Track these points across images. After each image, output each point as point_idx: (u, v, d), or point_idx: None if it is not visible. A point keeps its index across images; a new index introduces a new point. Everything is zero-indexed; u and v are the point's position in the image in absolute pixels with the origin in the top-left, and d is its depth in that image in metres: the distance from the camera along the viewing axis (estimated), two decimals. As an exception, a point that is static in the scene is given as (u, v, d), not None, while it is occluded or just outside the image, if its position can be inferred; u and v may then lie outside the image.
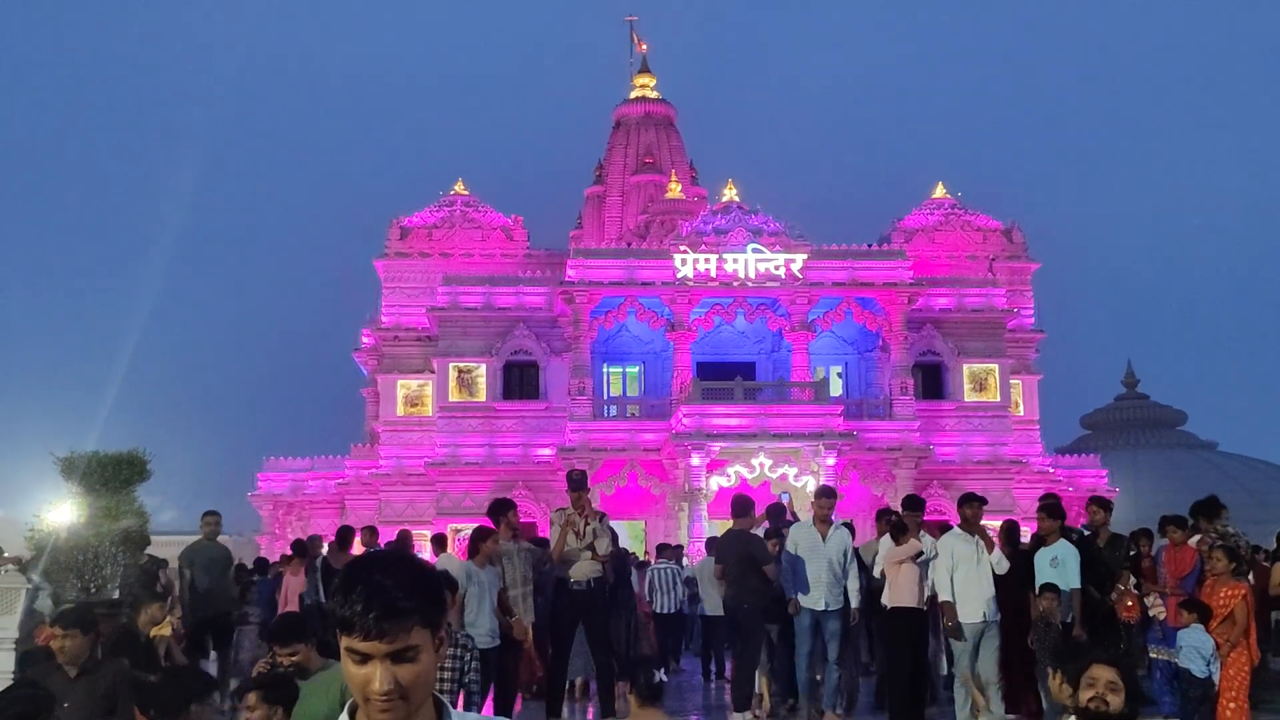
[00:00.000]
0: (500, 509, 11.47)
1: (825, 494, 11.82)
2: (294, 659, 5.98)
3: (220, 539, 14.84)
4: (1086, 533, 12.97)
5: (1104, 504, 12.73)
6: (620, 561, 15.92)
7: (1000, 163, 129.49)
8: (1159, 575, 12.18)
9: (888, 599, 11.33)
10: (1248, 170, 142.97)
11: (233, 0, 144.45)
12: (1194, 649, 10.22)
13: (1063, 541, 11.08)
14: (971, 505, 11.04)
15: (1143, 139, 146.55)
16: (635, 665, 6.21)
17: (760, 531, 12.79)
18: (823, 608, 11.31)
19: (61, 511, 14.30)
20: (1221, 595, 10.54)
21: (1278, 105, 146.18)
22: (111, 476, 14.48)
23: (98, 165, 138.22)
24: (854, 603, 11.41)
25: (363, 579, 2.15)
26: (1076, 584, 10.73)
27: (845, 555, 11.43)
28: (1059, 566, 10.73)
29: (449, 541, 17.49)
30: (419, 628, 2.14)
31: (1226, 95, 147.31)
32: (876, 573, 11.79)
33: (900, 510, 12.42)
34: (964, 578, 10.63)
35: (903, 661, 11.23)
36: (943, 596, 10.71)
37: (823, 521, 11.47)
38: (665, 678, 5.99)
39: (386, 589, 2.14)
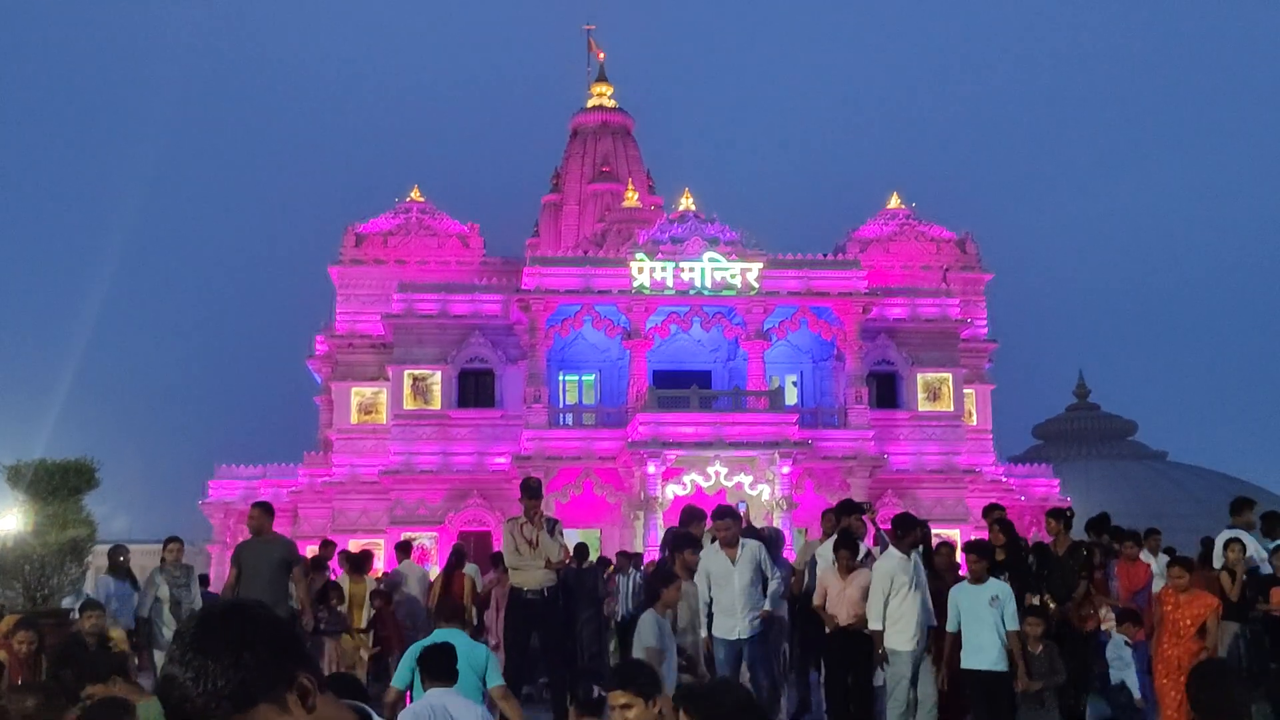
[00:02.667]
0: (679, 545, 9.78)
1: (724, 514, 10.69)
2: (109, 696, 5.84)
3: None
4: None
5: (1059, 514, 12.71)
6: (586, 572, 15.77)
7: (954, 173, 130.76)
8: (1111, 589, 12.18)
9: (827, 622, 10.90)
10: (1198, 182, 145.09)
11: (187, 3, 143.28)
12: (1118, 659, 10.35)
13: (1000, 580, 10.42)
14: (905, 527, 10.45)
15: (1094, 150, 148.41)
16: (577, 676, 6.22)
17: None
18: (736, 636, 10.45)
19: (7, 521, 14.12)
20: (1194, 608, 10.16)
21: (1228, 117, 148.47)
22: (59, 485, 14.28)
23: (45, 167, 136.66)
24: (768, 604, 10.57)
25: (167, 665, 1.87)
26: (1015, 625, 10.06)
27: (760, 569, 10.54)
28: (998, 606, 10.02)
29: (410, 548, 17.31)
30: (247, 712, 1.86)
31: (1176, 107, 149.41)
32: (812, 588, 11.25)
33: (838, 515, 12.03)
34: (898, 603, 10.23)
35: (836, 684, 10.87)
36: (873, 624, 10.32)
37: (728, 545, 10.50)
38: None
39: (180, 686, 1.84)
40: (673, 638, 8.93)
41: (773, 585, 10.58)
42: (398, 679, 8.07)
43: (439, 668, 7.05)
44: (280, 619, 1.98)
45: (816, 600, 11.12)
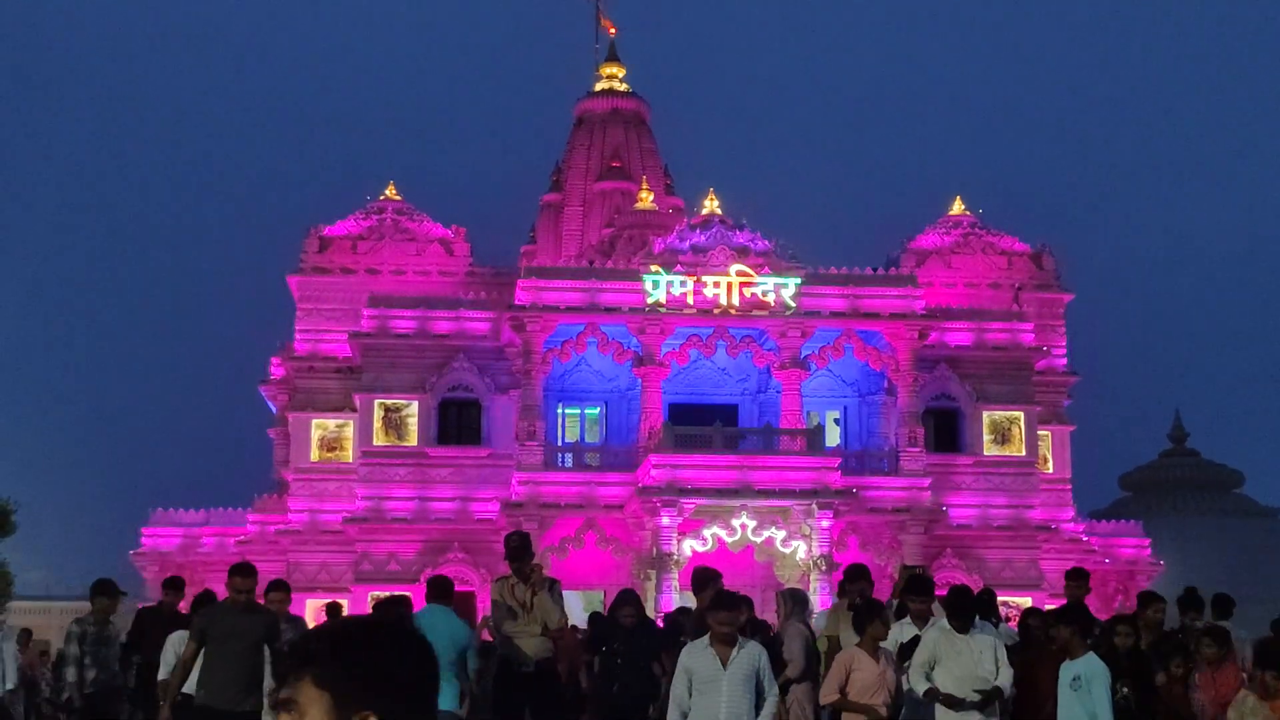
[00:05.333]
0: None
1: (724, 605, 10.08)
2: None
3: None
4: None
5: (1154, 599, 13.03)
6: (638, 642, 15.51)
7: (1029, 175, 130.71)
8: (1194, 702, 11.46)
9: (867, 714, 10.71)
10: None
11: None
12: None
13: (1090, 655, 9.92)
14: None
15: (1194, 151, 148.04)
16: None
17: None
18: None
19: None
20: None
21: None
22: (-33, 529, 14.37)
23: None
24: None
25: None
26: (1107, 713, 9.67)
27: (759, 677, 9.93)
28: (1081, 689, 9.62)
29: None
30: (306, 684, 2.47)
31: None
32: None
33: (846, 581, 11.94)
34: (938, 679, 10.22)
35: None
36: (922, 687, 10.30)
37: (723, 642, 9.85)
38: None
39: (294, 641, 2.59)
40: None
41: (768, 704, 10.02)
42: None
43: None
44: (425, 646, 2.58)
45: (830, 693, 10.64)
